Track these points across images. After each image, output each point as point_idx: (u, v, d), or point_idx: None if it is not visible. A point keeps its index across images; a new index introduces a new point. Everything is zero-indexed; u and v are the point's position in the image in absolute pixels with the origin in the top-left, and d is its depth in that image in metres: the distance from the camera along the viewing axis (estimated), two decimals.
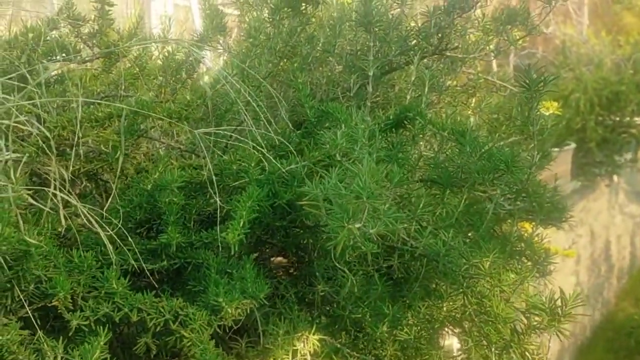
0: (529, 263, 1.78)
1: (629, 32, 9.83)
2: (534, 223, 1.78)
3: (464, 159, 1.42)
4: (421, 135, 1.61)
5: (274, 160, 1.41)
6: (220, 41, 2.35)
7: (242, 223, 1.29)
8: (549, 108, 2.68)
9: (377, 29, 1.72)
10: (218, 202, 1.41)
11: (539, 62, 7.82)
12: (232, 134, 1.60)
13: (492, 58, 2.24)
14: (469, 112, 2.42)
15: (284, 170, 1.42)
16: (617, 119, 7.00)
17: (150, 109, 1.48)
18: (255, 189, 1.39)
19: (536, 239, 1.78)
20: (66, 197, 1.45)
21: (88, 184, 1.92)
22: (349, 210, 1.03)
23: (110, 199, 1.52)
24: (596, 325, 7.05)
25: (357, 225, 1.05)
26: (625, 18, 11.37)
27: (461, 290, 1.54)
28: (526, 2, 2.07)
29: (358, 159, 1.33)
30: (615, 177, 7.30)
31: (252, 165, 1.49)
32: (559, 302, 1.34)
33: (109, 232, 1.42)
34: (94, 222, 1.42)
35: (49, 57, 1.79)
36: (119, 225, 1.42)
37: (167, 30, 2.29)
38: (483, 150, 1.37)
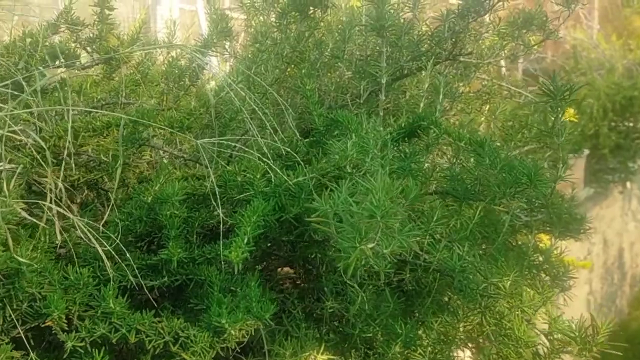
0: (547, 278, 1.71)
1: (639, 36, 9.72)
2: (551, 235, 1.70)
3: (482, 170, 1.34)
4: (436, 145, 1.53)
5: (280, 172, 1.33)
6: (227, 46, 2.29)
7: (246, 240, 1.21)
8: (565, 115, 2.59)
9: (389, 34, 1.63)
10: (221, 215, 1.34)
11: (549, 66, 7.74)
12: (237, 144, 1.53)
13: (508, 63, 2.17)
14: (482, 119, 2.35)
15: (290, 183, 1.34)
16: (631, 124, 6.89)
17: (151, 118, 1.41)
18: (261, 202, 1.32)
19: (555, 252, 1.71)
20: (62, 210, 1.38)
21: (90, 193, 1.85)
22: (362, 230, 0.96)
23: (108, 211, 1.45)
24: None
25: (370, 246, 0.97)
26: (635, 22, 11.25)
27: (479, 310, 1.46)
28: (541, 6, 1.99)
29: (370, 171, 1.26)
30: (628, 184, 7.19)
31: (258, 176, 1.41)
32: (589, 330, 1.25)
33: (106, 247, 1.34)
34: (90, 237, 1.34)
35: (47, 64, 1.72)
36: (117, 241, 1.34)
37: (171, 35, 2.22)
38: (503, 162, 1.28)
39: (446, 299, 1.69)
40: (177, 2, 5.00)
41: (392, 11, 1.63)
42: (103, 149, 1.64)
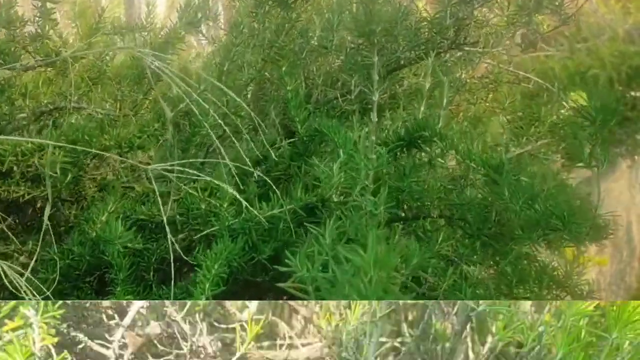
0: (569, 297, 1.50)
1: None
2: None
3: (499, 203, 1.08)
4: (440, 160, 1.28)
5: (251, 208, 1.08)
6: (205, 31, 2.04)
7: (204, 299, 0.96)
8: (579, 100, 2.35)
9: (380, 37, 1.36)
10: (172, 253, 1.09)
11: (547, 34, 7.42)
12: (203, 161, 1.28)
13: (519, 52, 1.92)
14: (488, 105, 2.11)
15: (263, 220, 1.09)
16: (638, 94, 6.61)
17: (92, 137, 1.15)
18: (227, 243, 1.07)
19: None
20: None
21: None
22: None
23: (39, 248, 1.19)
24: None
25: None
26: None
27: None
28: None
29: (359, 205, 1.01)
30: (636, 157, 6.93)
31: (225, 205, 1.16)
32: None
33: (37, 297, 1.10)
34: (18, 284, 1.09)
35: None
36: (48, 293, 1.09)
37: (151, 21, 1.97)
38: (526, 195, 1.02)
39: None
40: None
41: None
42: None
